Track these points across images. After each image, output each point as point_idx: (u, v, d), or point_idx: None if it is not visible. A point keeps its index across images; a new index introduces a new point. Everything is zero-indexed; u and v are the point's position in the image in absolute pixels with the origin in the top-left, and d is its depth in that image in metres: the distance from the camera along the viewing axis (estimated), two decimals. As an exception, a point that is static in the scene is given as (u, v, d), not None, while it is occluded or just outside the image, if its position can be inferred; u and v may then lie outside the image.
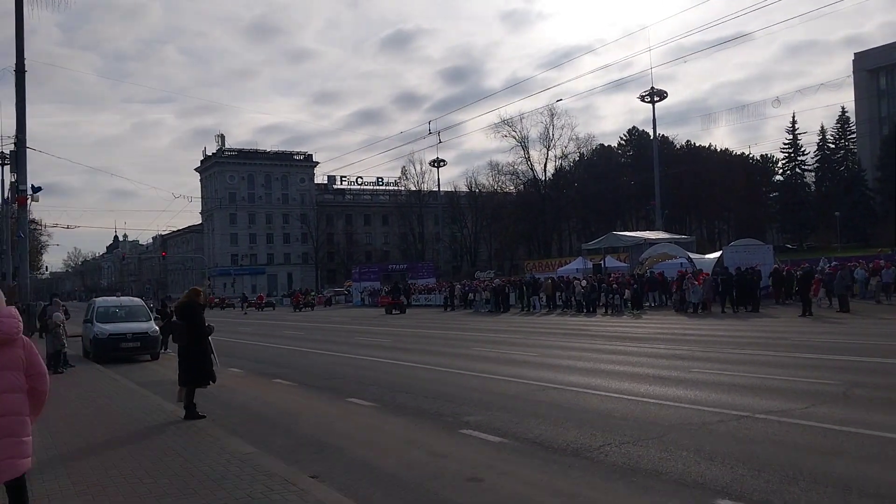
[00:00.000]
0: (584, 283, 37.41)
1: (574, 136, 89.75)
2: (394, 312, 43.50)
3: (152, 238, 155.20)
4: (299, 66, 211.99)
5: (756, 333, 20.50)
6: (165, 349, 23.43)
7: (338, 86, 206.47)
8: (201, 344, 10.10)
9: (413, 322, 34.14)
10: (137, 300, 25.23)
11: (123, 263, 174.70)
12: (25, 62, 30.64)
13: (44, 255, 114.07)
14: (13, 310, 4.74)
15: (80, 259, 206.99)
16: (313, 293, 69.98)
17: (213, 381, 10.36)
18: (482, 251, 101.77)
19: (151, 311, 50.38)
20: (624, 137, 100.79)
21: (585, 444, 8.13)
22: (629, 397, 10.93)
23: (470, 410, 10.38)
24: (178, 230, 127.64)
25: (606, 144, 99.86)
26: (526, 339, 21.55)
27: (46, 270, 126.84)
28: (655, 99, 66.83)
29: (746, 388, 11.24)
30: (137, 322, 21.12)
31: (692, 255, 40.77)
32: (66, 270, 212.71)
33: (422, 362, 16.59)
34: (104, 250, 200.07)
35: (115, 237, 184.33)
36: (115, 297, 25.57)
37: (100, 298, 27.11)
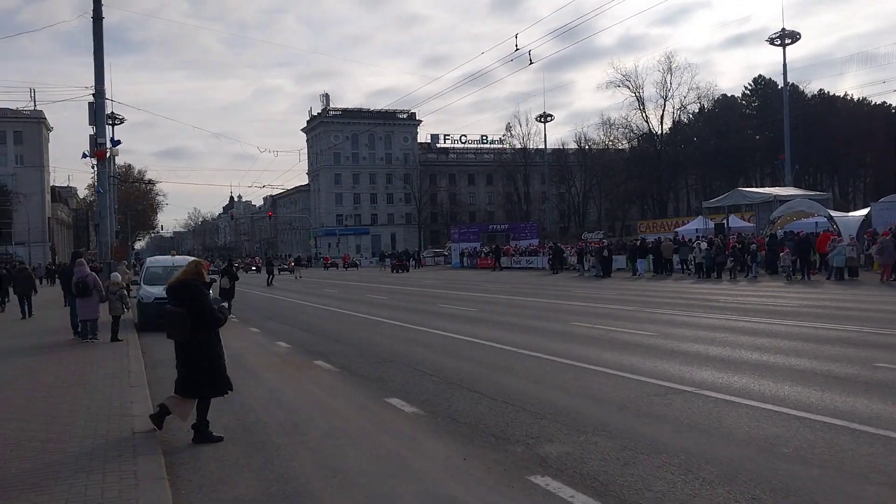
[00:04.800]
0: (704, 244, 32.77)
1: (694, 86, 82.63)
2: (399, 272, 55.33)
3: (263, 199, 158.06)
4: (410, 31, 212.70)
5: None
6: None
7: (448, 49, 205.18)
8: (209, 338, 7.06)
9: (509, 287, 30.67)
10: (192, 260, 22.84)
11: (237, 223, 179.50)
12: (103, 9, 28.92)
13: (159, 215, 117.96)
14: None
15: (200, 219, 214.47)
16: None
17: (231, 389, 7.32)
18: (591, 211, 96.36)
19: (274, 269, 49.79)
20: (748, 87, 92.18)
21: (747, 525, 4.53)
22: (798, 414, 7.16)
23: (552, 432, 6.90)
24: (287, 190, 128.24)
25: (729, 95, 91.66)
26: (638, 313, 17.69)
27: (162, 229, 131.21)
28: (787, 42, 59.75)
29: None
30: (188, 285, 18.58)
31: (832, 214, 35.29)
32: (186, 230, 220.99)
33: (504, 342, 13.16)
34: (221, 210, 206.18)
35: (231, 198, 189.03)
36: (168, 257, 23.36)
37: (151, 258, 25.03)
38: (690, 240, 36.91)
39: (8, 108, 74.34)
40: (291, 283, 45.93)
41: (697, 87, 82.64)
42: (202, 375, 6.98)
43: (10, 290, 27.28)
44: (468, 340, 13.70)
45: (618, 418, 7.37)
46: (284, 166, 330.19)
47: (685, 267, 33.81)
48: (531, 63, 28.71)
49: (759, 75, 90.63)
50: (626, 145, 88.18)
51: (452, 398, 8.55)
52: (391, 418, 7.75)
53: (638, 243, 39.00)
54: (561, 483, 5.42)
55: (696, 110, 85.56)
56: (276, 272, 44.59)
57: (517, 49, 28.25)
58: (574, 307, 19.89)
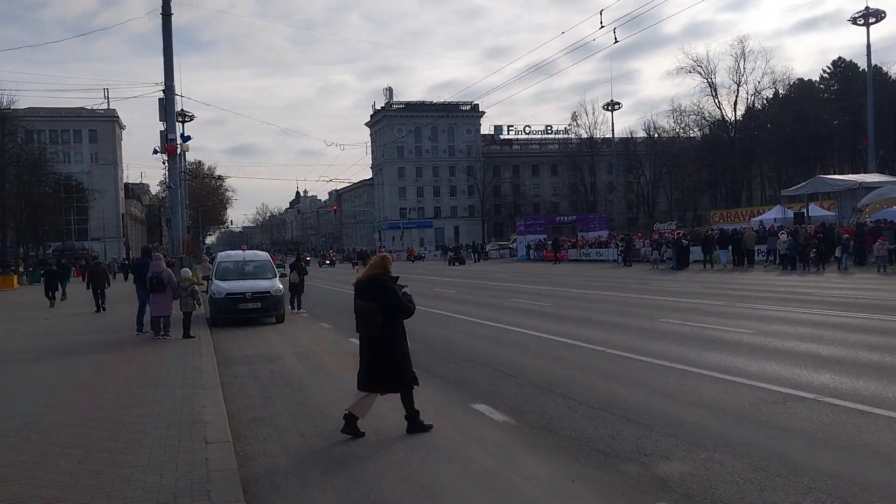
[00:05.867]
0: (785, 234, 31.05)
1: (769, 70, 79.21)
2: (455, 265, 55.34)
3: (328, 193, 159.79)
4: (472, 23, 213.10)
5: None
6: (297, 309, 20.85)
7: (510, 40, 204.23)
8: (398, 332, 6.98)
9: (582, 280, 29.67)
10: (263, 254, 22.61)
11: (303, 218, 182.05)
12: (173, 9, 29.08)
13: (228, 210, 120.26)
14: None
15: (267, 214, 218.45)
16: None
17: (417, 384, 7.16)
18: (661, 201, 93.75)
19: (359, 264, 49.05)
20: (827, 69, 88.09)
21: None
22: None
23: (667, 447, 6.11)
24: (352, 184, 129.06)
25: (806, 79, 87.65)
26: (728, 307, 16.59)
27: (231, 224, 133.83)
28: (871, 21, 56.70)
29: None
30: (258, 280, 18.39)
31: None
32: (255, 225, 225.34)
33: (588, 339, 12.35)
34: (288, 205, 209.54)
35: (297, 193, 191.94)
36: (239, 251, 23.20)
37: (223, 253, 24.89)
38: (774, 229, 35.18)
39: (83, 108, 76.56)
40: (353, 275, 45.81)
41: (772, 72, 79.34)
42: (392, 369, 6.90)
43: (62, 284, 28.48)
44: (549, 338, 12.93)
45: (738, 431, 6.52)
46: (349, 161, 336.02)
47: (770, 258, 32.21)
48: (616, 42, 27.54)
49: (839, 57, 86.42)
50: (698, 133, 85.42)
51: (545, 405, 7.82)
52: (481, 428, 7.07)
53: (716, 233, 37.40)
54: (693, 513, 4.66)
55: (770, 96, 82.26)
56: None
57: (602, 27, 27.08)
58: (657, 302, 18.86)
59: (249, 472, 5.82)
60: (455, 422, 7.32)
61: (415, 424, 6.93)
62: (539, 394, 8.38)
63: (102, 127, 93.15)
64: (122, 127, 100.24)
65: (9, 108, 51.82)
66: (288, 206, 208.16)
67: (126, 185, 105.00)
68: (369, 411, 7.01)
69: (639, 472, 5.53)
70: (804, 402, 7.39)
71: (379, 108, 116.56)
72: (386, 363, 6.88)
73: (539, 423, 7.10)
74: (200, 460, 5.80)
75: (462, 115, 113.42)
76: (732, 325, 13.36)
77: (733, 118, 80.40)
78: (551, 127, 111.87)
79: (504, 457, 6.08)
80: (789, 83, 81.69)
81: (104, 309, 22.38)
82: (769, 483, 5.14)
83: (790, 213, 43.50)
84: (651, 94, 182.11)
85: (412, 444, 6.56)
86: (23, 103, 58.61)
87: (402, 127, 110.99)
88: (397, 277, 7.18)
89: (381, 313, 6.80)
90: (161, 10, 29.01)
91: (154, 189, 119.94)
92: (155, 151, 33.20)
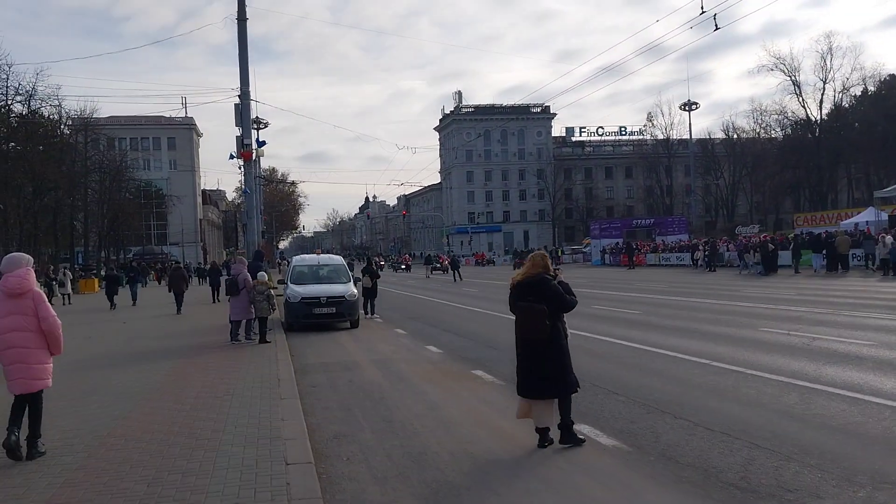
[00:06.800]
0: (889, 237, 29.12)
1: (858, 66, 75.24)
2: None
3: (397, 198, 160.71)
4: (542, 26, 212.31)
5: None
6: (370, 314, 20.39)
7: (581, 42, 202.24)
8: (560, 332, 6.54)
9: (667, 286, 28.39)
10: (338, 258, 22.27)
11: (373, 223, 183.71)
12: (247, 9, 29.20)
13: (300, 215, 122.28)
14: (22, 271, 5.99)
15: (338, 219, 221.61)
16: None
17: (579, 386, 6.67)
18: (740, 204, 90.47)
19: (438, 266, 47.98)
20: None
21: None
22: None
23: (812, 482, 5.22)
24: (421, 189, 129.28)
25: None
26: (835, 316, 15.30)
27: (304, 229, 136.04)
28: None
29: None
30: (333, 284, 18.04)
31: None
32: (325, 230, 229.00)
33: (688, 351, 11.39)
34: (357, 211, 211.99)
35: (366, 198, 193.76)
36: (313, 255, 23.01)
37: (297, 257, 24.76)
38: (869, 232, 33.12)
39: (162, 116, 78.69)
40: (423, 280, 45.44)
41: (862, 68, 75.33)
42: (555, 371, 6.45)
43: (133, 288, 29.33)
44: (645, 349, 12.02)
45: (895, 464, 5.57)
46: (418, 166, 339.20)
47: (869, 263, 30.30)
48: (717, 29, 25.76)
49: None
50: (779, 133, 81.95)
51: (656, 427, 6.99)
52: (588, 453, 6.28)
53: (806, 237, 35.49)
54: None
55: (859, 93, 78.14)
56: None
57: (703, 13, 25.40)
58: (753, 309, 17.61)
59: (334, 501, 5.20)
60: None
61: (570, 435, 6.43)
62: (647, 413, 7.54)
63: (181, 134, 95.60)
64: (199, 134, 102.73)
65: (91, 117, 53.32)
66: (357, 211, 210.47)
67: (203, 191, 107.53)
68: (549, 416, 6.51)
69: (786, 511, 4.69)
70: (964, 430, 6.37)
71: (448, 112, 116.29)
72: (548, 364, 6.40)
73: (654, 448, 6.28)
74: (281, 485, 5.22)
75: (532, 117, 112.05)
76: (846, 335, 12.17)
77: (818, 117, 76.84)
78: (625, 128, 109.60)
79: (621, 490, 5.31)
80: (880, 80, 77.49)
81: (180, 311, 22.82)
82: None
83: (884, 216, 41.05)
84: (726, 95, 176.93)
85: (513, 472, 5.84)
86: (105, 112, 60.50)
87: (472, 130, 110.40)
88: (556, 274, 6.71)
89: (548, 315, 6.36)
90: (236, 15, 29.25)
91: (230, 195, 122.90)
92: (231, 157, 33.42)
